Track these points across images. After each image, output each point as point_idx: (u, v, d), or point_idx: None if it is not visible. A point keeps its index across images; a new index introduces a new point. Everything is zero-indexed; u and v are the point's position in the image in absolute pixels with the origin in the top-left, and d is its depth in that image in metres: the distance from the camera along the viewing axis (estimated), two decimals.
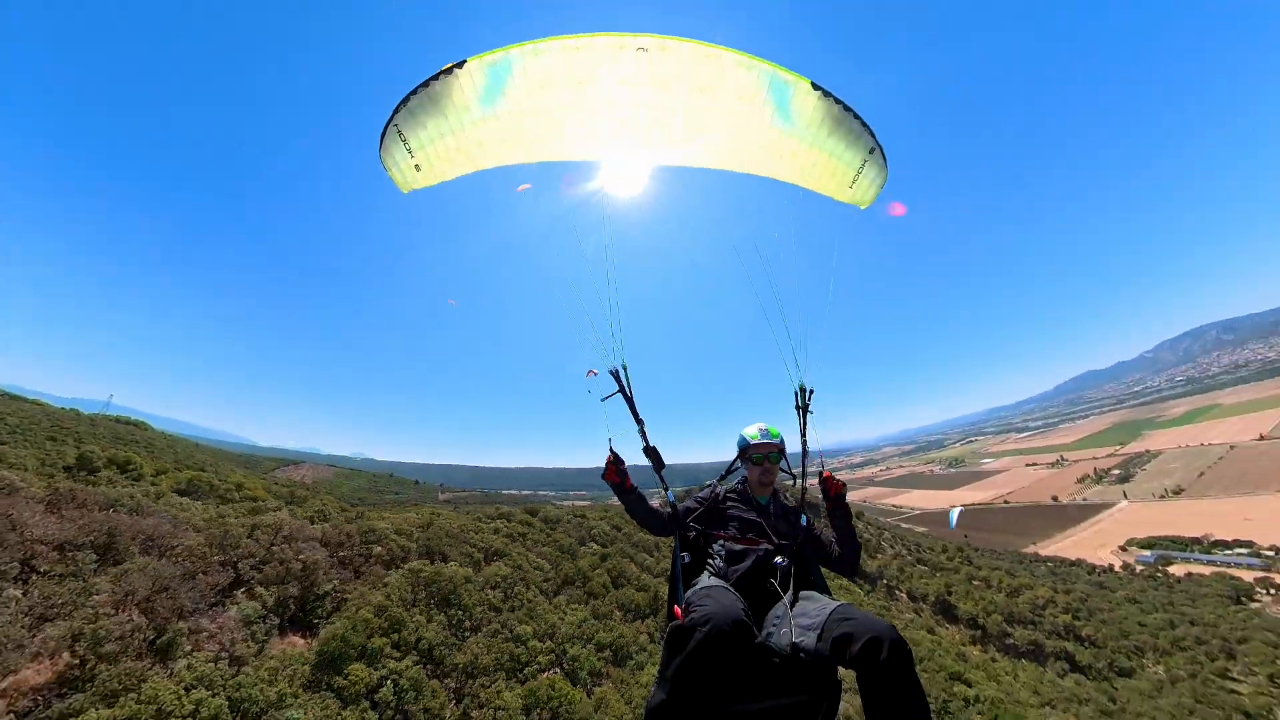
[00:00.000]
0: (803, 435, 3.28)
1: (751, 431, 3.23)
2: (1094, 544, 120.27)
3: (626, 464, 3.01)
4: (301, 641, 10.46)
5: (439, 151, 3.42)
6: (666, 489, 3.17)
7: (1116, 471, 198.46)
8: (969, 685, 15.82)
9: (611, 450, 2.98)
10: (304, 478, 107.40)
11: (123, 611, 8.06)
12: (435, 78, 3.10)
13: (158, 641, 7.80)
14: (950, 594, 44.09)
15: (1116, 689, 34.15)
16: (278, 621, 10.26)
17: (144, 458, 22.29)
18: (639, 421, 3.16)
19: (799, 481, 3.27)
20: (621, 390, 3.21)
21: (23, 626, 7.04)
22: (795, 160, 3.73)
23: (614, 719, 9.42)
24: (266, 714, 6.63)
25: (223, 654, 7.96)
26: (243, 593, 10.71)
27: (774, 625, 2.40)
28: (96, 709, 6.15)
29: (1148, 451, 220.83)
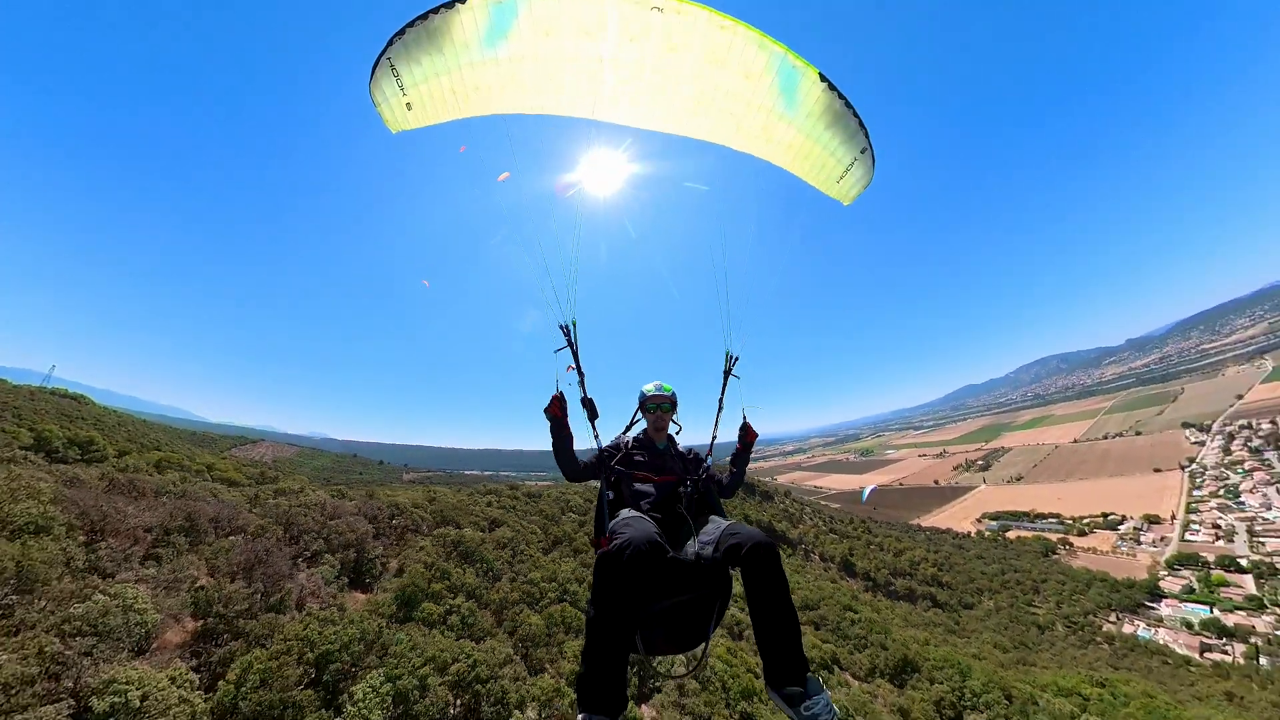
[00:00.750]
0: (722, 393, 3.52)
1: (649, 387, 3.53)
2: (960, 517, 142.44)
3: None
4: (363, 597, 11.90)
5: (432, 91, 3.06)
6: (597, 438, 3.25)
7: (980, 462, 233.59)
8: (856, 613, 20.25)
9: (558, 389, 3.04)
10: (264, 456, 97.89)
11: (234, 581, 9.22)
12: (435, 11, 2.75)
13: (269, 600, 9.10)
14: (852, 555, 51.46)
15: (961, 616, 42.87)
16: (346, 582, 11.64)
17: (106, 438, 20.26)
18: (580, 374, 3.22)
19: (700, 431, 3.57)
20: (569, 344, 3.26)
21: (164, 596, 8.15)
22: (791, 148, 3.52)
23: None
24: (380, 638, 8.39)
25: (326, 605, 9.42)
26: (304, 560, 11.91)
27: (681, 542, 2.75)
28: (250, 650, 7.17)
29: (1002, 448, 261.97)
